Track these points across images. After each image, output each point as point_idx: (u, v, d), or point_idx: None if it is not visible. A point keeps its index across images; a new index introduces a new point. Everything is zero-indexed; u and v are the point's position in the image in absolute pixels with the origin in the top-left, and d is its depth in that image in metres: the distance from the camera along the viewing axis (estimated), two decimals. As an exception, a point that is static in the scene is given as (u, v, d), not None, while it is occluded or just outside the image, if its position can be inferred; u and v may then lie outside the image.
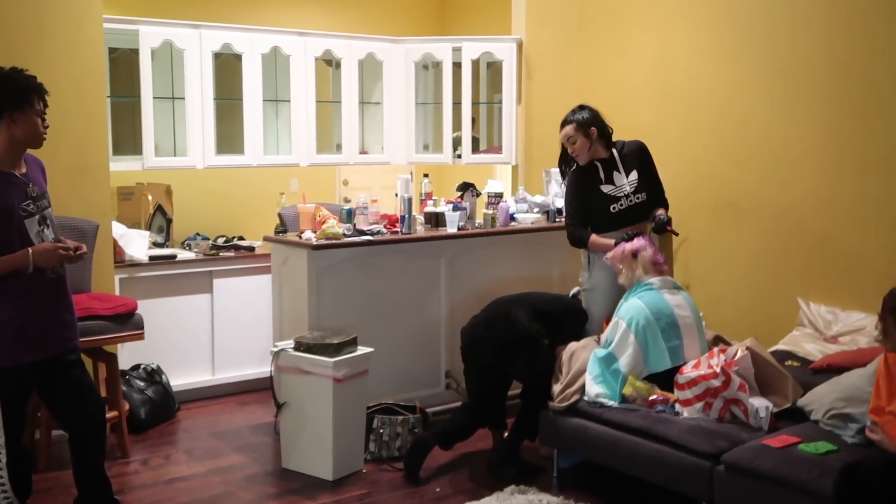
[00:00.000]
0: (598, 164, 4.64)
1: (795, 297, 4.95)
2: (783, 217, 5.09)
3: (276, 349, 4.48)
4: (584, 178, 4.67)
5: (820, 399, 3.81)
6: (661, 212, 4.72)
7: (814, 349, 4.57)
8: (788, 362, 4.40)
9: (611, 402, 4.07)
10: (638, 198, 4.66)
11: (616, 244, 4.45)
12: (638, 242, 4.36)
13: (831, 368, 4.15)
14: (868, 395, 3.52)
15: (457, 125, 6.31)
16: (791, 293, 4.99)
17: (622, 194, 4.63)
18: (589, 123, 4.62)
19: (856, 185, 4.74)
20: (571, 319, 4.63)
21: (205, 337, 5.58)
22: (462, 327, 4.55)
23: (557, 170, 5.59)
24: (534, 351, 4.31)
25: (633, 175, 4.67)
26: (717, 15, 5.41)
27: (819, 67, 4.88)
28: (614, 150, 4.68)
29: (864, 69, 4.68)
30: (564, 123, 4.67)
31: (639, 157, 4.73)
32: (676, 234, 4.85)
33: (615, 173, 4.65)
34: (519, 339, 4.32)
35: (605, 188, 4.63)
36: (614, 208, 4.61)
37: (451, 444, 4.51)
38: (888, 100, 4.59)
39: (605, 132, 4.67)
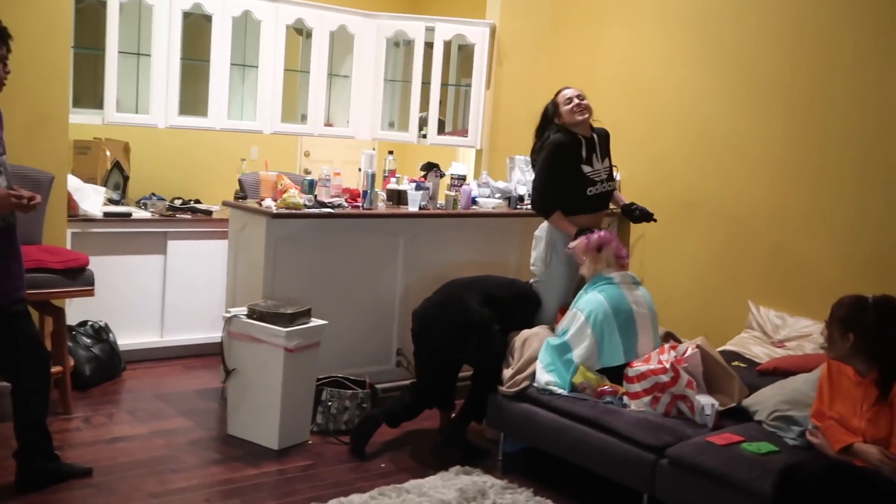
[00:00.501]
0: (583, 141, 4.59)
1: (746, 301, 5.04)
2: (739, 222, 5.17)
3: (228, 315, 4.43)
4: (565, 153, 4.57)
5: (764, 400, 3.87)
6: (630, 201, 4.79)
7: (761, 352, 4.65)
8: (735, 363, 4.46)
9: (560, 391, 4.09)
10: (608, 185, 4.69)
11: (577, 235, 4.45)
12: (605, 236, 4.36)
13: (777, 371, 4.22)
14: (811, 399, 3.58)
15: (424, 105, 6.30)
16: (742, 296, 5.08)
17: (598, 179, 4.63)
18: None
19: (809, 195, 4.84)
20: (523, 306, 4.63)
21: (155, 298, 5.50)
22: (414, 310, 4.55)
23: (521, 157, 5.66)
24: (485, 337, 4.32)
25: (607, 162, 4.71)
26: (689, 19, 5.48)
27: (783, 79, 4.98)
28: (594, 134, 4.68)
29: (826, 84, 4.78)
30: (566, 88, 4.65)
31: (608, 145, 4.76)
32: (656, 220, 4.88)
33: (594, 156, 4.64)
34: (470, 324, 4.32)
35: (586, 168, 4.60)
36: (590, 191, 4.59)
37: (398, 423, 4.51)
38: (846, 116, 4.70)
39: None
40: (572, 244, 4.44)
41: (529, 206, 5.25)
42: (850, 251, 4.67)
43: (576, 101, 4.56)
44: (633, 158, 5.55)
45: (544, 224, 4.69)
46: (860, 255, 4.64)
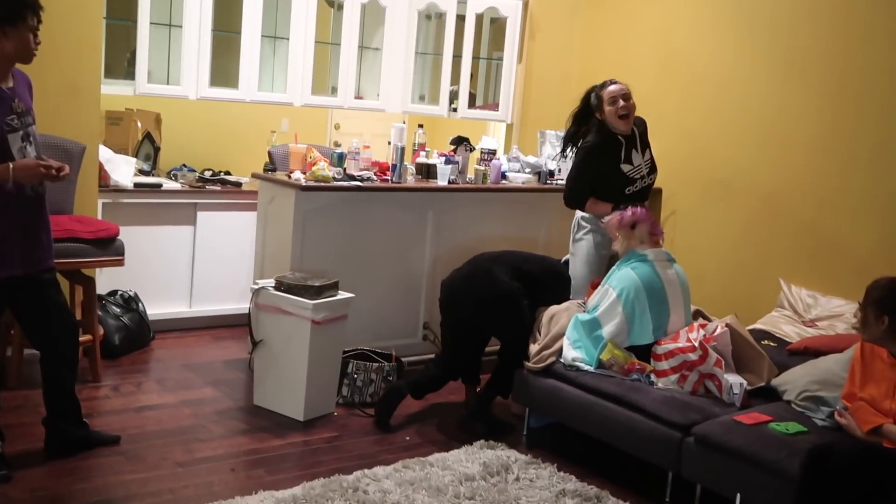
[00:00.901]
0: (623, 141, 4.53)
1: (777, 279, 4.99)
2: (772, 199, 5.12)
3: (256, 287, 4.44)
4: (603, 155, 4.51)
5: (794, 380, 3.83)
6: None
7: (791, 331, 4.61)
8: (765, 342, 4.43)
9: (587, 367, 4.07)
10: (651, 178, 4.65)
11: (613, 209, 4.40)
12: (639, 213, 4.29)
13: (808, 351, 4.18)
14: (842, 380, 3.55)
15: (455, 78, 6.25)
16: (773, 274, 5.03)
17: (639, 175, 4.58)
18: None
19: (842, 172, 4.78)
20: (554, 282, 4.60)
21: (185, 269, 5.53)
22: (443, 280, 4.54)
23: (552, 132, 5.61)
24: (513, 309, 4.30)
25: (648, 153, 4.64)
26: (724, -10, 5.38)
27: (819, 53, 4.90)
28: (634, 128, 4.60)
29: (863, 60, 4.70)
30: (613, 82, 4.51)
31: (646, 134, 4.68)
32: None
33: (633, 152, 4.57)
34: (498, 296, 4.31)
35: (625, 167, 4.54)
36: (629, 190, 4.54)
37: (423, 395, 4.52)
38: (882, 89, 4.61)
39: None
40: (606, 219, 4.39)
41: (560, 182, 5.21)
42: (886, 230, 4.61)
43: (621, 102, 4.45)
44: (667, 132, 5.49)
45: None
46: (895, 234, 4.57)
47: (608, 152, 4.51)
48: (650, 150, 4.65)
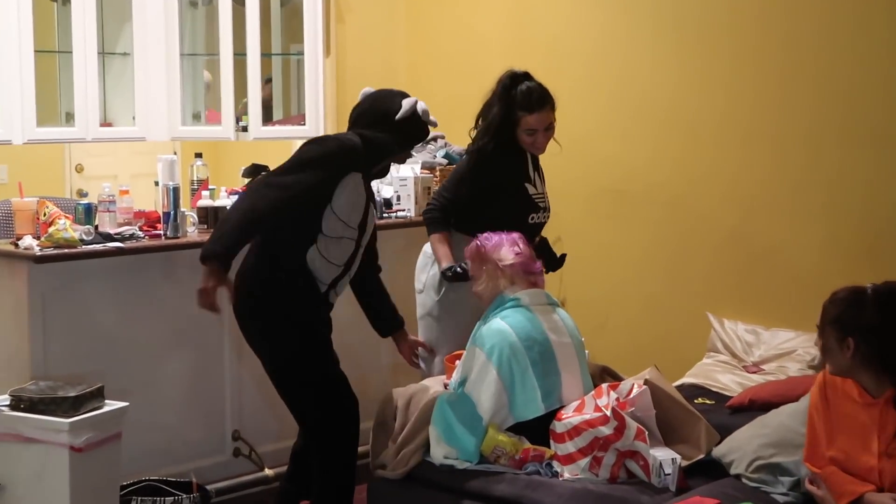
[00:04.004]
0: (528, 155, 4.68)
1: (704, 312, 5.11)
2: (679, 205, 5.26)
3: (-19, 408, 4.27)
4: (502, 167, 4.64)
5: (741, 446, 3.89)
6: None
7: (731, 381, 4.71)
8: (699, 400, 4.51)
9: (465, 464, 4.06)
10: (546, 216, 4.79)
11: (456, 275, 4.50)
12: (507, 239, 4.32)
13: (754, 405, 4.28)
14: (802, 437, 3.63)
15: (240, 86, 6.20)
16: (697, 307, 5.16)
17: (542, 204, 4.71)
18: None
19: (773, 162, 4.92)
20: None
21: None
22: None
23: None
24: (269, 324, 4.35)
25: (544, 186, 4.80)
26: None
27: (724, 8, 5.07)
28: None
29: (786, 21, 4.89)
30: (543, 101, 4.63)
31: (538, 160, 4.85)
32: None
33: (535, 174, 4.73)
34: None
35: (530, 189, 4.67)
36: (533, 219, 4.65)
37: None
38: (818, 58, 4.81)
39: None
40: (466, 249, 4.43)
41: (402, 215, 5.28)
42: (831, 230, 4.77)
43: (540, 138, 4.63)
44: None
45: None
46: (845, 236, 4.76)
47: (510, 162, 4.65)
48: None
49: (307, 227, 4.15)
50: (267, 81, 6.42)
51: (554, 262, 4.85)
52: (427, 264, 4.79)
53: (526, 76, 4.70)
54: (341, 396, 4.29)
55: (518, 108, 4.63)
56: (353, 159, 4.22)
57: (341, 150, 4.22)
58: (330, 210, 4.14)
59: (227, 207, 5.05)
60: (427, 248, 4.81)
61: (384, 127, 4.29)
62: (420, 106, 4.29)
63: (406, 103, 4.28)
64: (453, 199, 4.68)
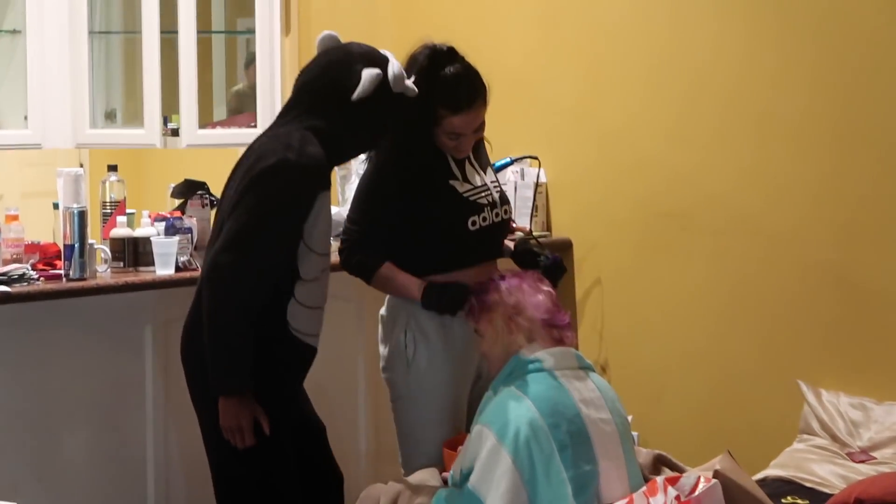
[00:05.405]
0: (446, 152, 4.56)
1: (794, 380, 5.07)
2: (770, 240, 5.22)
3: None
4: (412, 168, 4.46)
5: (844, 564, 3.80)
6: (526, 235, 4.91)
7: (830, 473, 4.64)
8: (788, 499, 4.41)
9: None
10: (502, 213, 4.64)
11: (434, 293, 4.32)
12: (524, 285, 4.17)
13: (863, 507, 4.22)
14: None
15: (170, 76, 6.13)
16: (785, 373, 5.13)
17: (486, 200, 4.52)
18: None
19: (882, 170, 4.86)
20: None
21: None
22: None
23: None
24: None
25: (491, 175, 4.70)
26: None
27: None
28: None
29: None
30: (473, 97, 4.43)
31: (484, 148, 4.75)
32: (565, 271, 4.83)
33: (468, 167, 4.57)
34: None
35: (459, 186, 4.50)
36: (474, 223, 4.45)
37: None
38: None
39: None
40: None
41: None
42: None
43: (466, 142, 4.47)
44: (564, 132, 5.66)
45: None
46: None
47: (423, 161, 4.50)
48: (493, 172, 4.76)
49: (280, 280, 4.00)
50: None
51: (548, 268, 4.65)
52: (391, 329, 4.61)
53: (450, 56, 4.49)
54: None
55: (440, 104, 4.42)
56: (319, 181, 4.03)
57: (304, 177, 3.96)
58: (304, 248, 3.97)
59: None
60: (383, 310, 4.67)
61: (340, 112, 4.05)
62: (392, 70, 4.02)
63: (366, 76, 3.95)
64: (360, 227, 4.55)
